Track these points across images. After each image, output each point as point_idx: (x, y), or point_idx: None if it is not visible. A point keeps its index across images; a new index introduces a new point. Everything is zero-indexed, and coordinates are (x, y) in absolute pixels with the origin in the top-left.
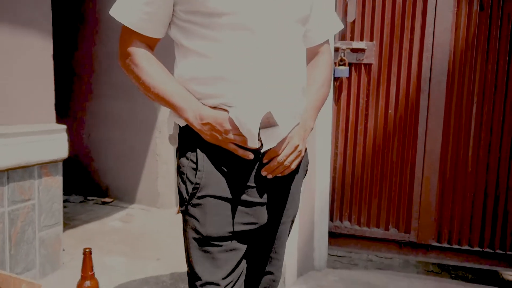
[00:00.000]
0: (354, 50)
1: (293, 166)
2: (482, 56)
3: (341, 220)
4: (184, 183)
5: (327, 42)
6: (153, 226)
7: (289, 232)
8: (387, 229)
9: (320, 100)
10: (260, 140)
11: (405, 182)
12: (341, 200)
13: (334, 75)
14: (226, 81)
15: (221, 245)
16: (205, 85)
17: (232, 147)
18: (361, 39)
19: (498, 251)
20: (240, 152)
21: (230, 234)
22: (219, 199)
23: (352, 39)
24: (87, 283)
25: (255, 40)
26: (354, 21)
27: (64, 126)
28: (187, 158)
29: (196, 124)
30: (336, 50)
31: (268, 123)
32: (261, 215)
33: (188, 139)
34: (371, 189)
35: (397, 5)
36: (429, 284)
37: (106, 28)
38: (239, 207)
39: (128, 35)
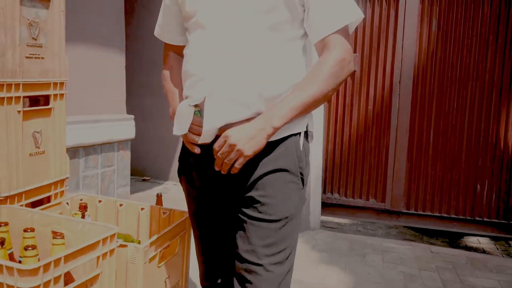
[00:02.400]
0: None
1: (237, 165)
2: (439, 65)
3: (331, 193)
4: None
5: (335, 34)
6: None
7: (280, 235)
8: (367, 199)
9: (298, 99)
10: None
11: (381, 162)
12: (332, 177)
13: None
14: (188, 75)
15: (197, 228)
16: (183, 82)
17: (184, 140)
18: None
19: (452, 215)
20: (187, 145)
21: (197, 217)
22: (187, 185)
23: None
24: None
25: (205, 35)
26: None
27: (132, 116)
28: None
29: (172, 118)
30: None
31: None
32: (200, 200)
33: None
34: (355, 168)
35: (374, 24)
36: (400, 241)
37: (138, 37)
38: (201, 195)
39: (164, 45)
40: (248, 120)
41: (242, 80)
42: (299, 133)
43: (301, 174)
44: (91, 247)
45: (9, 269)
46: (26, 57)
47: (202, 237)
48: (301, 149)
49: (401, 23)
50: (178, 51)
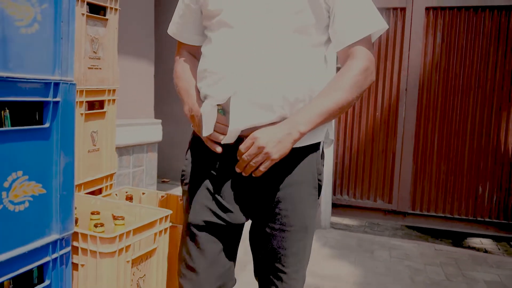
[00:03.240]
0: None
1: (262, 169)
2: (443, 74)
3: (341, 194)
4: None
5: (358, 44)
6: None
7: (304, 245)
8: (375, 200)
9: (324, 106)
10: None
11: (388, 165)
12: (342, 179)
13: None
14: (207, 73)
15: (198, 234)
16: (198, 80)
17: (204, 138)
18: None
19: (455, 216)
20: (209, 144)
21: (204, 224)
22: (198, 188)
23: None
24: None
25: (231, 34)
26: None
27: (159, 120)
28: (188, 146)
29: (188, 117)
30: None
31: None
32: (234, 215)
33: (193, 130)
34: (363, 171)
35: (382, 36)
36: (406, 240)
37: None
38: (214, 200)
39: (178, 43)
40: (272, 124)
41: (267, 82)
42: (319, 143)
43: (319, 186)
44: (151, 225)
45: (93, 237)
46: (88, 68)
47: (203, 245)
48: (320, 159)
49: (408, 35)
50: (193, 50)
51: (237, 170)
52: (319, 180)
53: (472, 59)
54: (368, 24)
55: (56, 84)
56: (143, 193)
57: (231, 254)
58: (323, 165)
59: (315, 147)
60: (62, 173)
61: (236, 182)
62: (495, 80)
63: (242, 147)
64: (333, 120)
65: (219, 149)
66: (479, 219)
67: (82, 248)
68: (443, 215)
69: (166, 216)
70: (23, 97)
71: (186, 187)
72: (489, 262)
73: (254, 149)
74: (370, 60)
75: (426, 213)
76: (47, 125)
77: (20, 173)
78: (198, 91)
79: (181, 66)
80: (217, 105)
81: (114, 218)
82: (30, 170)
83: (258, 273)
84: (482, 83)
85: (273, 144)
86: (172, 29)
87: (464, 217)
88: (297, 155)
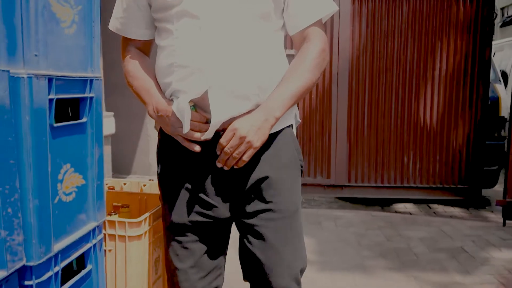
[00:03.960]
0: (290, 55)
1: (245, 158)
2: (369, 57)
3: None
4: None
5: (313, 26)
6: None
7: (294, 231)
8: (315, 176)
9: (293, 89)
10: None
11: (325, 143)
12: None
13: None
14: (174, 67)
15: (183, 234)
16: (162, 76)
17: (179, 138)
18: (291, 48)
19: (385, 184)
20: (186, 143)
21: (190, 224)
22: (177, 189)
23: (291, 47)
24: None
25: (197, 24)
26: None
27: (112, 113)
28: (157, 148)
29: (155, 117)
30: None
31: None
32: (219, 210)
33: (160, 130)
34: (303, 150)
35: None
36: (347, 210)
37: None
38: (197, 199)
39: (122, 40)
40: (248, 112)
41: (242, 72)
42: (291, 125)
43: (301, 166)
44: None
45: (121, 223)
46: None
47: (187, 244)
48: (296, 140)
49: (336, 22)
50: (141, 46)
51: (219, 165)
52: (300, 160)
53: (393, 42)
54: (322, 7)
55: (91, 81)
56: (124, 184)
57: (219, 252)
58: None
59: (289, 129)
60: (97, 164)
61: (217, 177)
62: (414, 61)
63: (223, 140)
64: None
65: (198, 148)
66: (405, 185)
67: (109, 234)
68: (375, 184)
69: None
70: (70, 94)
71: (163, 190)
72: (418, 222)
73: (236, 140)
74: (325, 42)
75: (360, 184)
76: (84, 119)
77: (68, 165)
78: (159, 88)
79: (133, 64)
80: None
81: (120, 206)
82: (75, 162)
83: (248, 276)
84: (403, 64)
85: (253, 132)
86: (115, 24)
87: (393, 185)
88: (275, 139)
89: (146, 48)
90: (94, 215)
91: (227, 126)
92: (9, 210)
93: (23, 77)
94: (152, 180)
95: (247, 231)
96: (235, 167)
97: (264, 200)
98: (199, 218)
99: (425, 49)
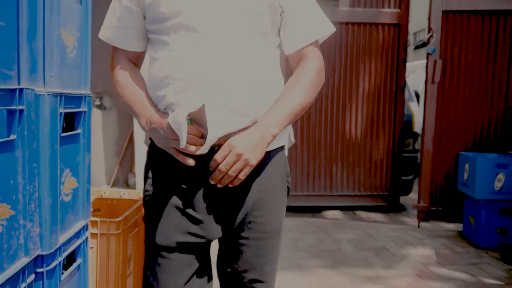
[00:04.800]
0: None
1: (242, 176)
2: None
3: None
4: (144, 190)
5: (310, 46)
6: None
7: (277, 250)
8: None
9: (290, 107)
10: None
11: None
12: None
13: None
14: (170, 80)
15: (169, 256)
16: (155, 88)
17: (172, 151)
18: None
19: (316, 193)
20: (179, 157)
21: (177, 245)
22: (166, 207)
23: None
24: None
25: (195, 37)
26: None
27: None
28: (145, 164)
29: (147, 130)
30: None
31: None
32: (210, 229)
33: (150, 145)
34: None
35: None
36: None
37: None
38: (186, 217)
39: (113, 50)
40: (245, 129)
41: (241, 87)
42: (283, 146)
43: (288, 188)
44: (138, 209)
45: (103, 222)
46: None
47: (175, 268)
48: (287, 162)
49: None
50: (132, 57)
51: (212, 182)
52: (288, 182)
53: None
54: (320, 28)
55: (85, 97)
56: None
57: (207, 272)
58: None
59: (280, 150)
60: (87, 169)
61: (209, 194)
62: (341, 81)
63: (218, 156)
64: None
65: (191, 162)
66: (333, 193)
67: (91, 233)
68: (306, 193)
69: (138, 203)
70: (71, 109)
71: (150, 208)
72: (346, 226)
73: (232, 157)
74: (321, 61)
75: (294, 193)
76: (79, 130)
77: (68, 170)
78: (151, 101)
79: (123, 75)
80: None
81: (93, 210)
82: (72, 167)
83: (222, 276)
84: (331, 84)
85: (250, 150)
86: (106, 34)
87: (323, 193)
88: (267, 160)
89: (137, 60)
90: (83, 215)
91: (223, 142)
92: (32, 205)
93: (44, 94)
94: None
95: (229, 247)
96: (230, 185)
97: (250, 220)
98: (188, 239)
99: (351, 71)
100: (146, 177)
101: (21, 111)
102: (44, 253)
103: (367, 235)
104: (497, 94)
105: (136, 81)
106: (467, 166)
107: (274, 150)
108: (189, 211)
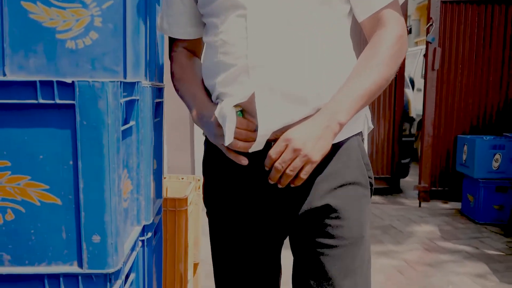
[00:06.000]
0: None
1: (303, 176)
2: None
3: None
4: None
5: (388, 8)
6: None
7: (361, 260)
8: None
9: (362, 87)
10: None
11: None
12: None
13: None
14: (220, 66)
15: (233, 264)
16: (207, 77)
17: (223, 148)
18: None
19: None
20: (231, 155)
21: (239, 252)
22: (222, 209)
23: None
24: None
25: (243, 15)
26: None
27: None
28: (202, 160)
29: (199, 123)
30: None
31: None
32: (269, 232)
33: (205, 139)
34: None
35: None
36: None
37: None
38: (245, 221)
39: (170, 42)
40: (305, 119)
41: (298, 69)
42: (360, 132)
43: (371, 184)
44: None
45: (171, 200)
46: None
47: (240, 277)
48: (366, 152)
49: None
50: (189, 45)
51: (271, 181)
52: (370, 177)
53: None
54: None
55: (163, 89)
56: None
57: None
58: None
59: (357, 138)
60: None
61: (269, 196)
62: None
63: (272, 152)
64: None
65: (245, 161)
66: None
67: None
68: None
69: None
70: (159, 99)
71: (209, 207)
72: None
73: (289, 153)
74: (403, 26)
75: None
76: (158, 118)
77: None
78: (206, 91)
79: (179, 66)
80: (235, 106)
81: None
82: (158, 149)
83: None
84: None
85: (312, 143)
86: (162, 24)
87: None
88: (339, 151)
89: (195, 48)
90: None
91: (280, 135)
92: (142, 182)
93: (147, 87)
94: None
95: (302, 257)
96: (292, 185)
97: (324, 228)
98: (247, 245)
99: None
100: (203, 173)
101: (137, 100)
102: (147, 223)
103: (373, 216)
104: (493, 81)
105: (191, 71)
106: (465, 148)
107: (348, 139)
108: (249, 216)
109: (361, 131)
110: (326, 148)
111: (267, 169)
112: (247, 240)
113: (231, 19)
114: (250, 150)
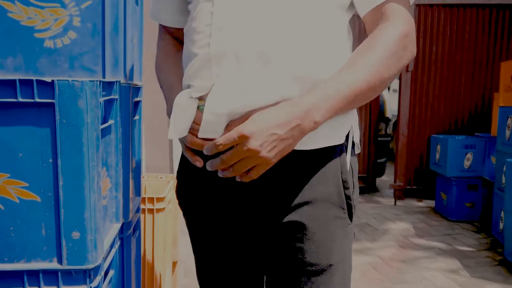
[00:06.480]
0: None
1: (253, 176)
2: None
3: None
4: None
5: (391, 4)
6: None
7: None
8: None
9: (350, 84)
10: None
11: None
12: None
13: None
14: (188, 56)
15: (214, 261)
16: (184, 68)
17: (182, 146)
18: None
19: None
20: (188, 153)
21: (218, 251)
22: (197, 214)
23: None
24: None
25: (212, 1)
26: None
27: None
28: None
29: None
30: None
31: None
32: (239, 242)
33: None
34: None
35: None
36: None
37: None
38: (219, 224)
39: (159, 30)
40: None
41: (264, 55)
42: (341, 146)
43: (349, 205)
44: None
45: (150, 199)
46: None
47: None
48: (348, 168)
49: None
50: (177, 34)
51: (209, 168)
52: (348, 198)
53: None
54: None
55: (141, 88)
56: None
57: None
58: (355, 177)
59: (339, 150)
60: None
61: (238, 201)
62: None
63: (220, 140)
64: (357, 118)
65: (199, 164)
66: None
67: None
68: None
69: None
70: (137, 98)
71: (188, 217)
72: None
73: (242, 151)
74: (410, 24)
75: None
76: (137, 117)
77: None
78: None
79: (163, 55)
80: (199, 98)
81: None
82: (137, 146)
83: None
84: None
85: (271, 146)
86: (152, 12)
87: None
88: (313, 161)
89: (182, 36)
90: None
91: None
92: (120, 180)
93: (125, 85)
94: None
95: (268, 276)
96: (238, 180)
97: (288, 249)
98: (225, 243)
99: None
100: (177, 174)
101: (116, 100)
102: (125, 220)
103: None
104: (465, 82)
105: (173, 62)
106: (438, 147)
107: (326, 149)
108: (218, 222)
109: (342, 144)
110: (289, 150)
111: (205, 153)
112: (224, 239)
113: (200, 4)
114: (199, 135)
